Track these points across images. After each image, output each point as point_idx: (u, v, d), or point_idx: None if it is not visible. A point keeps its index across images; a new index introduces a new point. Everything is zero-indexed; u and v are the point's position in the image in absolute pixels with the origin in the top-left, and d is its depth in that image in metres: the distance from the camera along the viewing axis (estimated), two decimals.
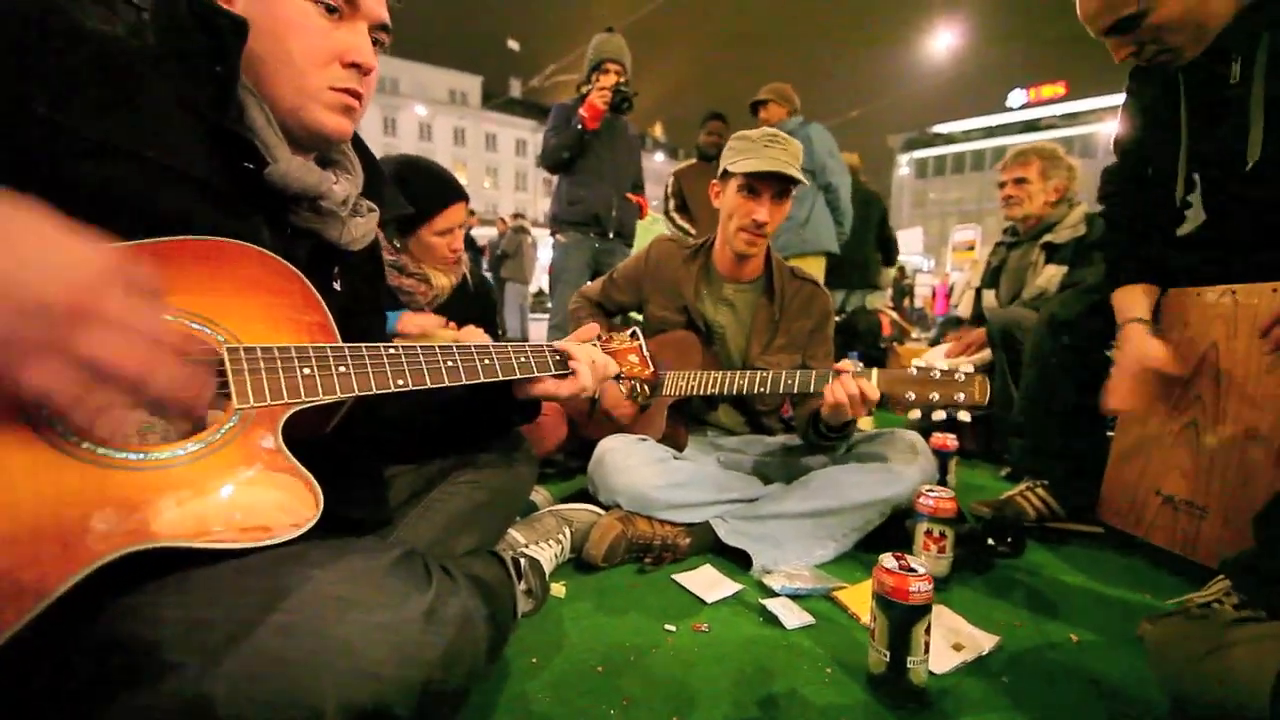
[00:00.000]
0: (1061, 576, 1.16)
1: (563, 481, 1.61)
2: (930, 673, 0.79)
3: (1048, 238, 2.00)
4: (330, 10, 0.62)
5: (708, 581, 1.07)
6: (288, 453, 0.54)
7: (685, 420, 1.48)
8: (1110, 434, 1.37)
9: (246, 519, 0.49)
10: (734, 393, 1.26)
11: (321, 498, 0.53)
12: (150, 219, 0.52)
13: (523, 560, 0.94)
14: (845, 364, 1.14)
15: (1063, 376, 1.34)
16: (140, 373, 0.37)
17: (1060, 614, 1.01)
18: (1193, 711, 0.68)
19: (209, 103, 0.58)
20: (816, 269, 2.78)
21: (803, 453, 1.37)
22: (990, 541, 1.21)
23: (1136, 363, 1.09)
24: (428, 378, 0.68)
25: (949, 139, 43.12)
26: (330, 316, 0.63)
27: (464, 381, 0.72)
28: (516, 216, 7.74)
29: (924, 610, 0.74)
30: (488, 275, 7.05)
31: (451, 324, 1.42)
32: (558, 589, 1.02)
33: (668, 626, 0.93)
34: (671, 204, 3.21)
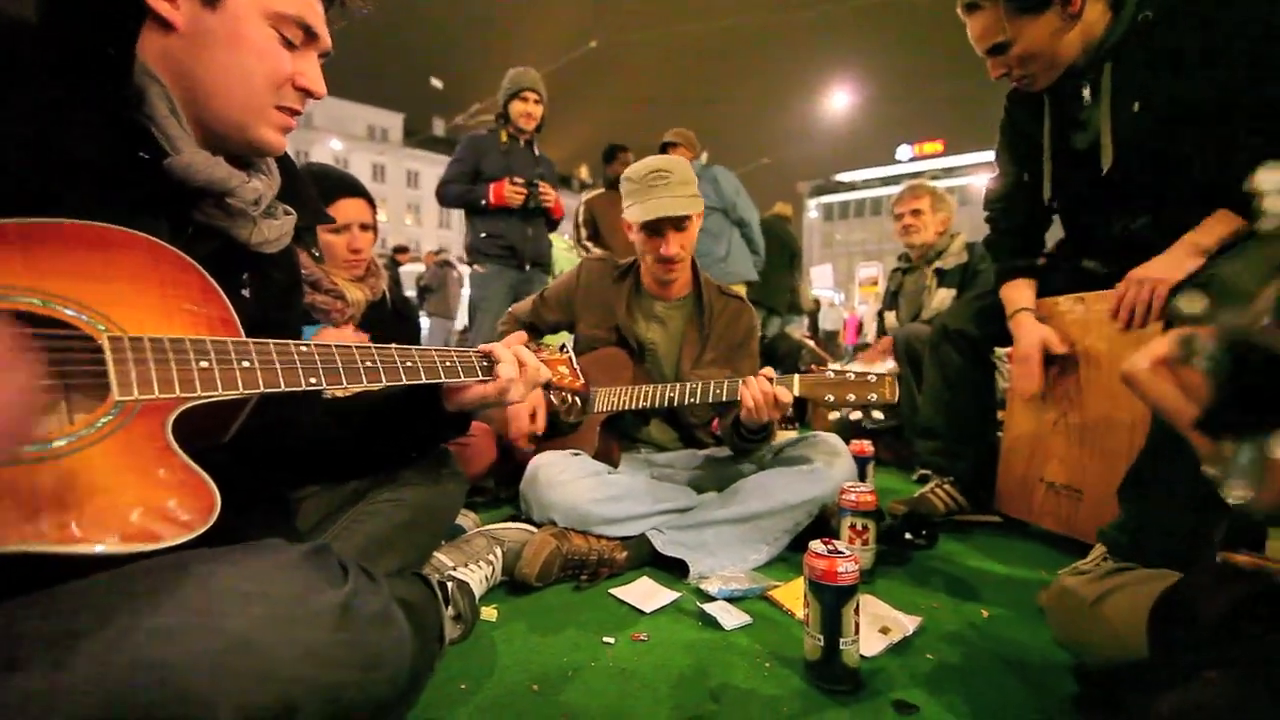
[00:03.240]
0: (970, 562, 1.25)
1: (493, 510, 1.54)
2: (861, 656, 0.81)
3: (937, 264, 2.23)
4: (288, 44, 0.63)
5: (645, 592, 1.06)
6: (180, 451, 0.48)
7: (618, 437, 1.48)
8: (1000, 432, 1.52)
9: (126, 522, 0.43)
10: (664, 405, 1.28)
11: (218, 500, 0.48)
12: (26, 201, 0.48)
13: (450, 584, 0.89)
14: (766, 371, 1.20)
15: (957, 379, 1.48)
16: None
17: (972, 594, 1.09)
18: (1088, 659, 0.74)
19: (99, 86, 0.55)
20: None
21: (733, 461, 1.41)
22: (908, 535, 1.29)
23: (1032, 347, 1.24)
24: (344, 377, 0.64)
25: (850, 186, 47.39)
26: (233, 311, 0.58)
27: (384, 383, 0.68)
28: (439, 252, 7.59)
29: (852, 590, 0.77)
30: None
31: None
32: (489, 612, 0.97)
33: (606, 639, 0.90)
34: (583, 233, 3.26)
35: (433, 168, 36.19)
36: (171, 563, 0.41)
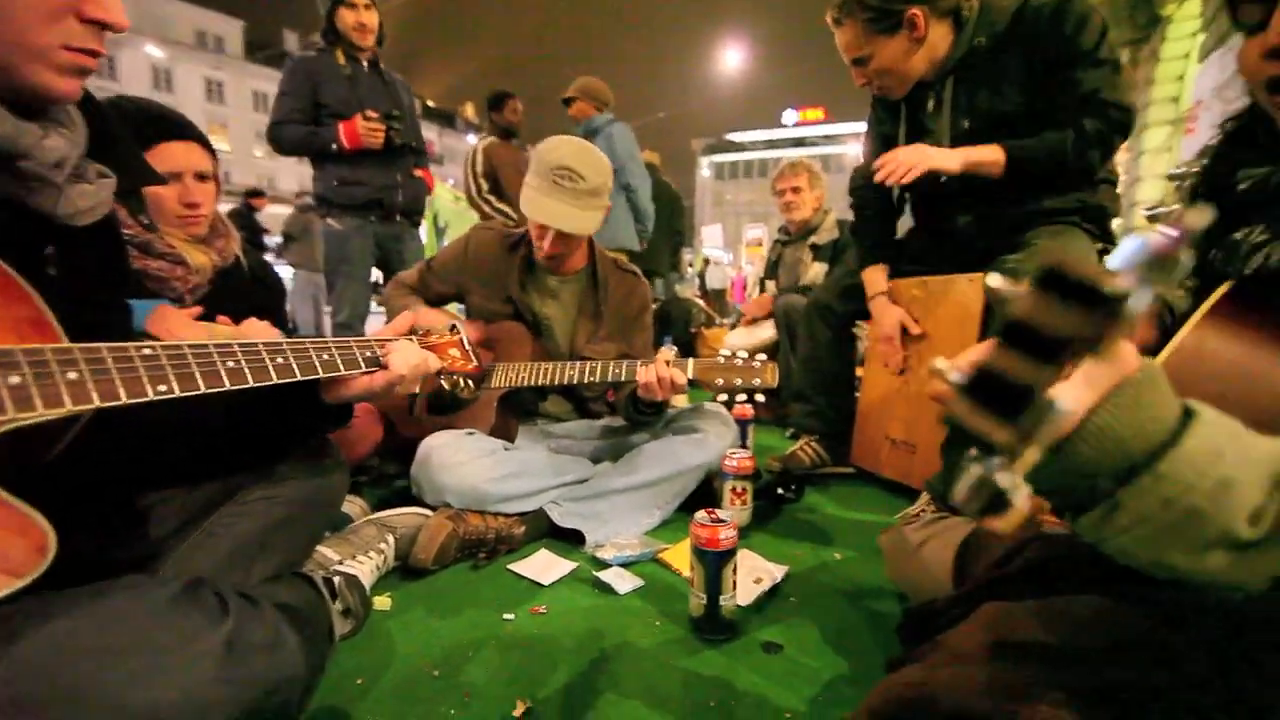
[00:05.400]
0: (828, 510, 1.44)
1: (378, 489, 1.48)
2: (738, 605, 0.93)
3: (813, 239, 2.43)
4: None
5: (543, 565, 1.10)
6: None
7: (515, 411, 1.47)
8: (858, 395, 1.73)
9: None
10: (564, 383, 1.29)
11: (52, 538, 0.42)
12: None
13: (336, 579, 0.86)
14: (663, 352, 1.25)
15: (825, 349, 1.66)
16: None
17: (829, 540, 1.26)
18: (912, 595, 0.91)
19: None
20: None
21: (628, 431, 1.47)
22: (780, 490, 1.45)
23: (893, 329, 1.45)
24: (201, 382, 0.57)
25: (741, 147, 48.76)
26: (46, 309, 0.50)
27: (250, 384, 0.61)
28: (301, 194, 6.66)
29: (731, 553, 0.87)
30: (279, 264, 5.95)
31: (224, 318, 1.18)
32: (382, 602, 0.95)
33: (506, 615, 0.93)
34: (483, 185, 2.93)
35: None
36: (16, 616, 0.36)
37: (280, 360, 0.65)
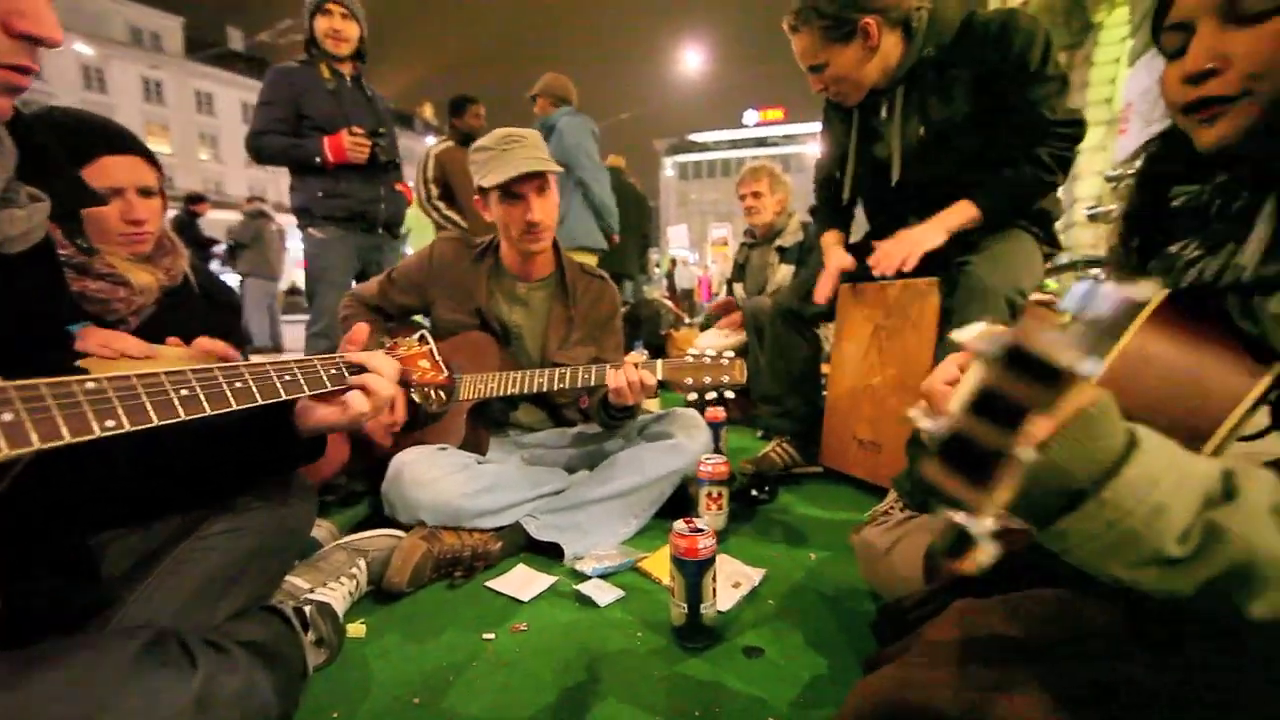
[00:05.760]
0: (801, 510, 1.48)
1: (347, 509, 1.43)
2: (718, 611, 0.94)
3: (779, 242, 2.47)
4: None
5: (522, 581, 1.09)
6: None
7: (485, 423, 1.45)
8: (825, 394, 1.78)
9: None
10: (534, 391, 1.28)
11: None
12: None
13: (308, 608, 0.83)
14: (633, 356, 1.26)
15: (792, 351, 1.70)
16: None
17: (803, 540, 1.29)
18: (883, 593, 0.94)
19: None
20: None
21: (602, 439, 1.47)
22: (754, 492, 1.48)
23: (834, 265, 1.52)
24: (153, 414, 0.53)
25: (704, 147, 49.24)
26: None
27: (208, 413, 0.58)
28: (252, 199, 6.38)
29: (711, 562, 0.88)
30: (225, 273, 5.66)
31: (174, 339, 1.12)
32: (356, 629, 0.92)
33: (486, 635, 0.92)
34: (433, 191, 2.89)
35: (233, 91, 29.32)
36: None
37: (239, 384, 0.62)
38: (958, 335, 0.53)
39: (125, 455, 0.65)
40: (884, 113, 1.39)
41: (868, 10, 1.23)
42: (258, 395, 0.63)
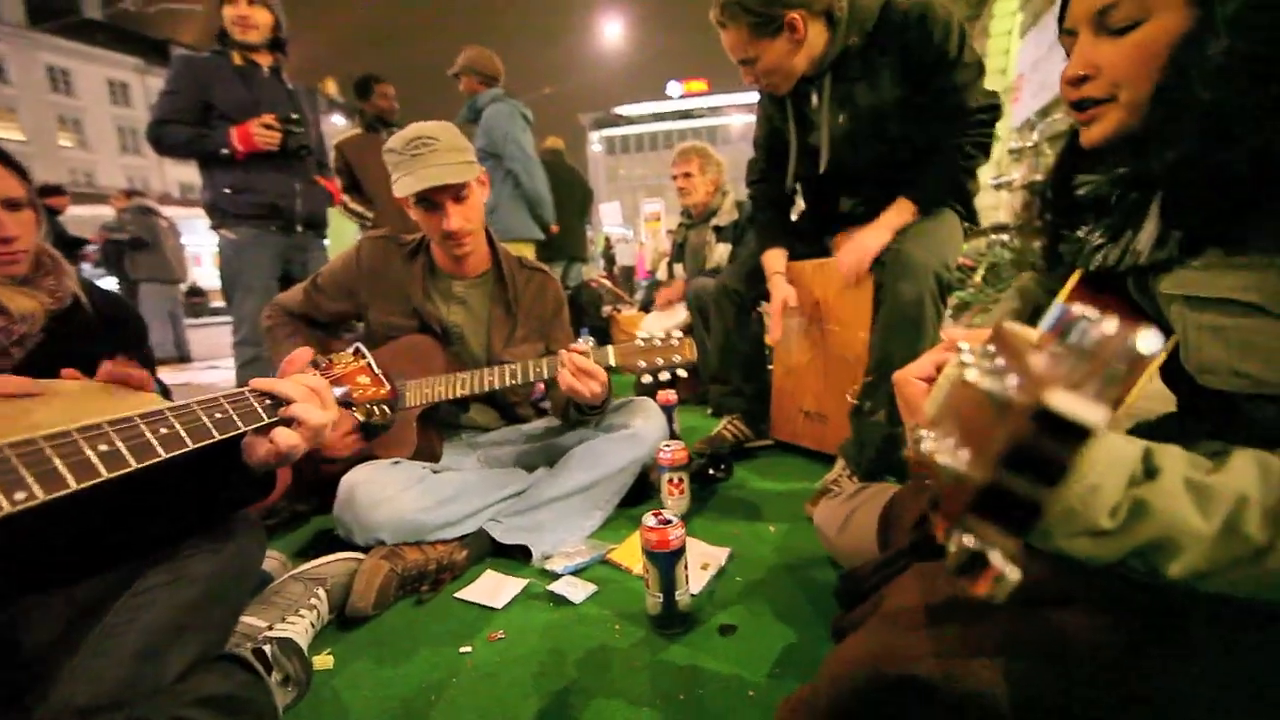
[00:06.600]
0: (756, 484, 1.54)
1: (291, 533, 1.36)
2: (691, 595, 0.97)
3: (715, 221, 2.50)
4: None
5: (492, 587, 1.07)
6: None
7: (437, 427, 1.41)
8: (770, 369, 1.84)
9: None
10: (484, 390, 1.24)
11: None
12: None
13: (268, 647, 0.79)
14: (579, 345, 1.23)
15: (736, 331, 1.74)
16: None
17: (761, 514, 1.35)
18: (845, 565, 1.01)
19: None
20: (523, 254, 2.82)
21: (558, 433, 1.46)
22: (711, 471, 1.52)
23: (780, 304, 1.54)
24: (70, 478, 0.48)
25: (630, 120, 48.57)
26: None
27: (133, 467, 0.53)
28: (133, 193, 5.67)
29: (682, 551, 0.90)
30: (100, 276, 5.02)
31: (71, 371, 0.99)
32: (323, 660, 0.89)
33: (463, 649, 0.91)
34: (338, 183, 2.71)
35: (94, 67, 25.64)
36: None
37: (165, 430, 0.57)
38: (951, 333, 0.57)
39: (33, 520, 0.58)
40: (814, 101, 1.42)
41: (791, 5, 1.25)
42: (187, 440, 0.58)
